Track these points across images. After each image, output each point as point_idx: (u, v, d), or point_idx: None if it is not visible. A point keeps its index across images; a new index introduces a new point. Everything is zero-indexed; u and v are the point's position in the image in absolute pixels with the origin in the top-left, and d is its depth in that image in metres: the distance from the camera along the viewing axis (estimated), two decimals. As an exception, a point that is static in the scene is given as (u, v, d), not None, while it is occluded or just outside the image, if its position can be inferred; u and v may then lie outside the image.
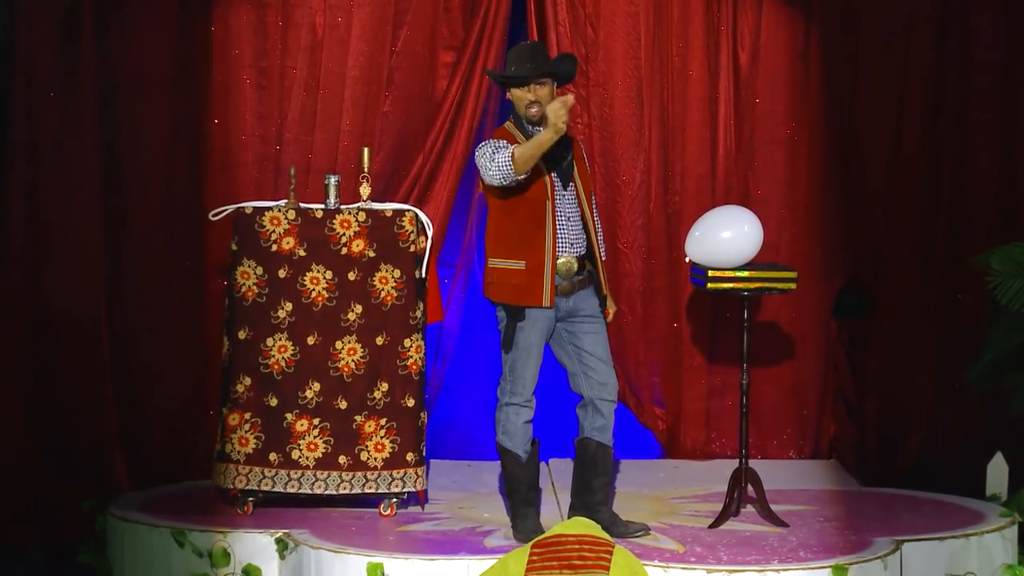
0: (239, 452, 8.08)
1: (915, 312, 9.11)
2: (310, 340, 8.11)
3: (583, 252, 7.70)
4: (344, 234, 8.14)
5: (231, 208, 8.24)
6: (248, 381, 8.10)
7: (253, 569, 7.65)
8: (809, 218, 9.26)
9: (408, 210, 8.24)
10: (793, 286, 8.07)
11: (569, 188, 7.68)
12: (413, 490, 8.13)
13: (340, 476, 8.08)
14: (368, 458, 8.08)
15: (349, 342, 8.12)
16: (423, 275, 8.19)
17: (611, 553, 6.39)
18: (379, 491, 8.08)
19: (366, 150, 8.32)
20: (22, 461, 8.55)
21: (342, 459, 8.08)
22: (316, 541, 7.57)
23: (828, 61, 9.15)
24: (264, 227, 8.14)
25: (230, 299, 8.15)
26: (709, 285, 7.99)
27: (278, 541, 7.68)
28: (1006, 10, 9.02)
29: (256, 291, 8.12)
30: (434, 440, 8.93)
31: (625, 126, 9.18)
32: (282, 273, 8.12)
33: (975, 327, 8.80)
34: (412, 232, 8.16)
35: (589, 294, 7.73)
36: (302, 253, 8.13)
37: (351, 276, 8.13)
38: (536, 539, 6.51)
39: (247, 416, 8.10)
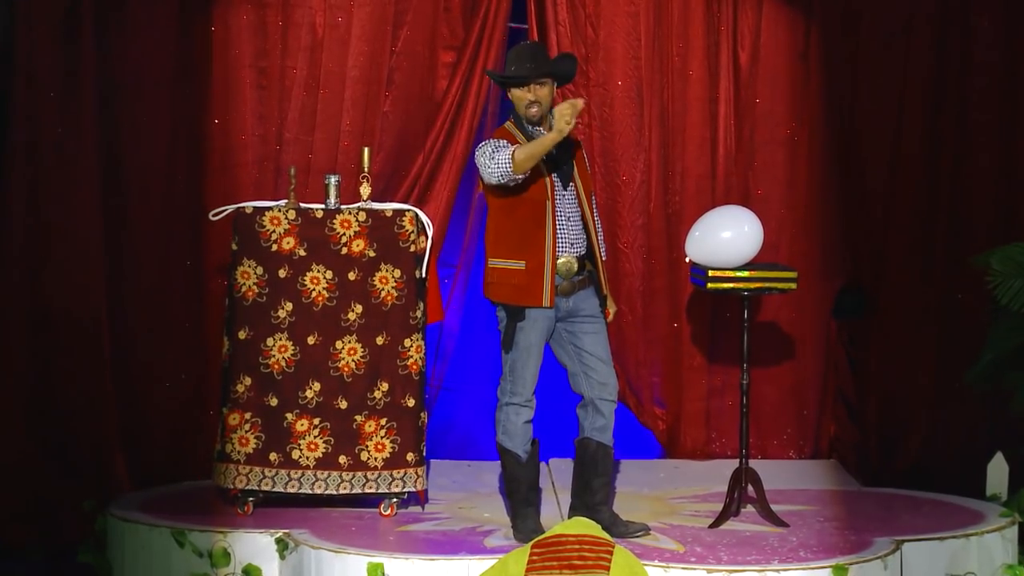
0: (239, 452, 8.08)
1: (915, 312, 9.11)
2: (310, 340, 8.11)
3: (583, 252, 7.70)
4: (344, 234, 8.14)
5: (231, 208, 8.24)
6: (248, 381, 8.10)
7: (253, 569, 7.65)
8: (809, 218, 9.26)
9: (408, 210, 8.24)
10: (793, 286, 8.07)
11: (569, 188, 7.68)
12: (413, 490, 8.14)
13: (340, 476, 8.08)
14: (368, 458, 8.08)
15: (349, 342, 8.12)
16: (423, 275, 8.19)
17: (611, 553, 6.39)
18: (379, 491, 8.08)
19: (366, 150, 8.32)
20: (22, 461, 8.55)
21: (342, 459, 8.08)
22: (316, 541, 7.57)
23: (828, 61, 9.15)
24: (264, 227, 8.14)
25: (230, 299, 8.15)
26: (709, 285, 7.99)
27: (278, 541, 7.68)
28: (1006, 10, 9.02)
29: (256, 291, 8.12)
30: (434, 440, 8.92)
31: (625, 126, 9.18)
32: (282, 273, 8.12)
33: (975, 327, 8.80)
34: (412, 232, 8.16)
35: (589, 294, 7.73)
36: (302, 253, 8.13)
37: (351, 276, 8.13)
38: (536, 539, 6.51)
39: (247, 416, 8.10)
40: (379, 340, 8.11)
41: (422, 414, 8.13)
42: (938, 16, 9.04)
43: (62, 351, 8.66)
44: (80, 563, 8.10)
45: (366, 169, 8.27)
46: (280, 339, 8.11)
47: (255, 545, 7.69)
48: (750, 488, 8.02)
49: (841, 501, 8.46)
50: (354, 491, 8.07)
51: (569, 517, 7.62)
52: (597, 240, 7.79)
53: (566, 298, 7.65)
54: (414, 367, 8.12)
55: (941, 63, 9.06)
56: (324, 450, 8.09)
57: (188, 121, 8.88)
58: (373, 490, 8.08)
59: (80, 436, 8.65)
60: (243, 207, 8.20)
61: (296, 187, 8.30)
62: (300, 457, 8.08)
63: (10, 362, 8.62)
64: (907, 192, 9.11)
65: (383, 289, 8.13)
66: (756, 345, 8.37)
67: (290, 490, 8.07)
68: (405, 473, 8.09)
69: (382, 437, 8.09)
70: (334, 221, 8.14)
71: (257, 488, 8.07)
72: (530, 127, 7.63)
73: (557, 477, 8.61)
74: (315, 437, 8.09)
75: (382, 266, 8.14)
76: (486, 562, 7.07)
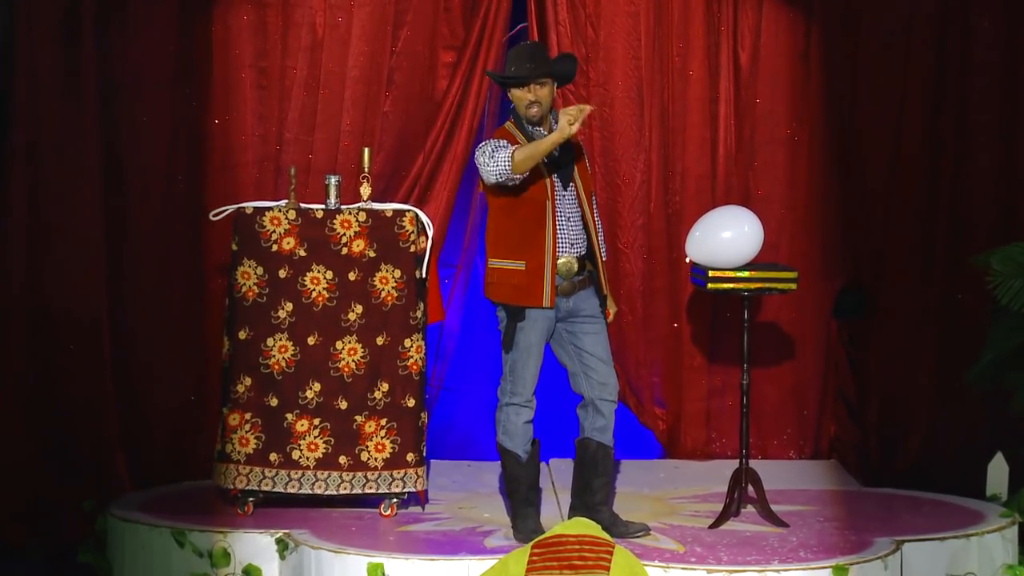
0: (239, 452, 8.08)
1: (915, 312, 9.11)
2: (310, 340, 8.11)
3: (583, 252, 7.70)
4: (344, 234, 8.14)
5: (231, 208, 8.24)
6: (248, 381, 8.10)
7: (253, 569, 7.65)
8: (809, 218, 9.26)
9: (408, 210, 8.24)
10: (793, 286, 8.07)
11: (569, 188, 7.68)
12: (413, 490, 8.13)
13: (340, 476, 8.08)
14: (368, 458, 8.08)
15: (349, 342, 8.12)
16: (423, 275, 8.18)
17: (611, 553, 6.39)
18: (379, 491, 8.08)
19: (366, 150, 8.32)
20: (22, 461, 8.55)
21: (342, 459, 8.08)
22: (316, 541, 7.57)
23: (828, 61, 9.15)
24: (264, 227, 8.14)
25: (230, 299, 8.15)
26: (709, 285, 7.99)
27: (278, 541, 7.68)
28: (1006, 10, 9.02)
29: (256, 291, 8.12)
30: (434, 440, 8.92)
31: (625, 126, 9.18)
32: (282, 273, 8.12)
33: (975, 327, 8.80)
34: (412, 232, 8.16)
35: (589, 294, 7.73)
36: (302, 253, 8.13)
37: (351, 276, 8.13)
38: (536, 539, 6.51)
39: (247, 416, 8.10)
40: (379, 340, 8.11)
41: (422, 414, 8.13)
42: (938, 16, 9.04)
43: (62, 351, 8.66)
44: (80, 563, 8.10)
45: (366, 169, 8.26)
46: (280, 339, 8.11)
47: (255, 545, 7.69)
48: (750, 488, 8.02)
49: (841, 501, 8.46)
50: (354, 491, 8.07)
51: (569, 517, 7.62)
52: (597, 240, 7.79)
53: (566, 298, 7.65)
54: (414, 367, 8.12)
55: (941, 63, 9.06)
56: (324, 450, 8.09)
57: (188, 121, 8.88)
58: (373, 490, 8.08)
59: (80, 436, 8.65)
60: (243, 207, 8.20)
61: (296, 187, 8.30)
62: (300, 457, 8.08)
63: (10, 362, 8.62)
64: (907, 192, 9.11)
65: (383, 289, 8.13)
66: (756, 345, 8.37)
67: (290, 490, 8.07)
68: (405, 473, 8.09)
69: (382, 437, 8.09)
70: (334, 221, 8.14)
71: (257, 488, 8.07)
72: (530, 127, 7.63)
73: (557, 477, 8.61)
74: (315, 437, 8.09)
75: (382, 266, 8.14)
76: (486, 562, 7.07)
